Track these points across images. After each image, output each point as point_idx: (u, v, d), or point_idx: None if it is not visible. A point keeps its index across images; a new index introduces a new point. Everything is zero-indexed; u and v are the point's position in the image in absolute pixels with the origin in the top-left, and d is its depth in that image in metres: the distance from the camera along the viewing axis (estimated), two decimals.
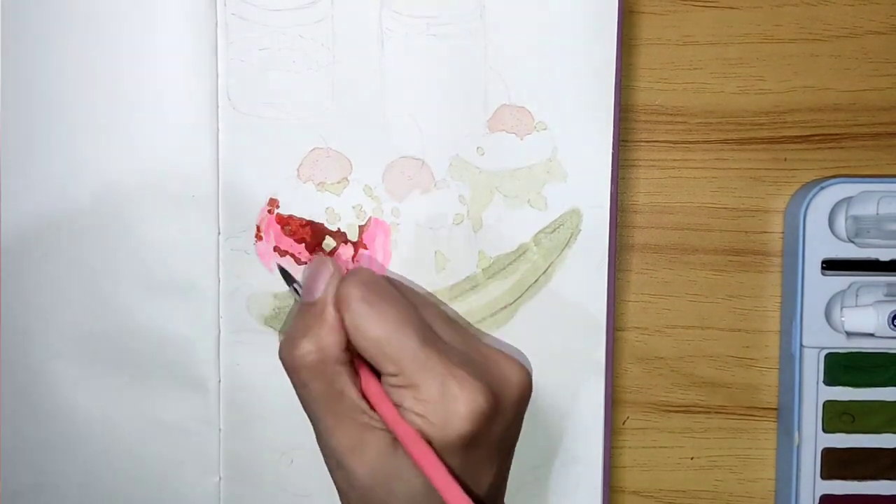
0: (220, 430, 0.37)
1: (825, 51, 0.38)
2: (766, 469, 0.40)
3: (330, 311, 0.31)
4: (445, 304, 0.36)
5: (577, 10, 0.36)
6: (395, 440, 0.30)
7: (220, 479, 0.37)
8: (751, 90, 0.38)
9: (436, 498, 0.29)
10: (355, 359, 0.31)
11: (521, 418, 0.33)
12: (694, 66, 0.38)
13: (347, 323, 0.30)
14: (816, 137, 0.39)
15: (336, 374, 0.31)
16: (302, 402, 0.32)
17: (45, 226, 0.36)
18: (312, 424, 0.32)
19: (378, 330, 0.30)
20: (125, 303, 0.36)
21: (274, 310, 0.36)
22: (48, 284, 0.36)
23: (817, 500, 0.38)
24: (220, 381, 0.37)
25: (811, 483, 0.38)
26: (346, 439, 0.30)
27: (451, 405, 0.29)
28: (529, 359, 0.36)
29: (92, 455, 0.37)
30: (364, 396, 0.31)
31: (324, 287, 0.32)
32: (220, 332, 0.36)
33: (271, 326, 0.36)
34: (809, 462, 0.38)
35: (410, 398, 0.29)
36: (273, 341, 0.36)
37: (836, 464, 0.38)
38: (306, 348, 0.30)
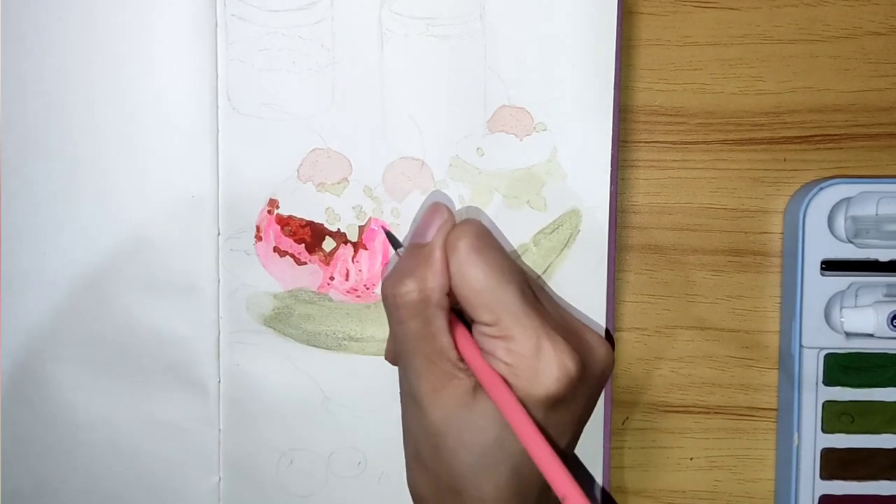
0: (220, 430, 0.37)
1: (825, 51, 0.38)
2: (765, 469, 0.40)
3: (437, 255, 0.31)
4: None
5: (577, 10, 0.36)
6: (477, 390, 0.31)
7: (219, 479, 0.37)
8: (750, 91, 0.38)
9: (505, 452, 0.30)
10: (452, 307, 0.32)
11: (600, 393, 0.34)
12: (694, 67, 0.38)
13: (453, 268, 0.31)
14: (816, 138, 0.39)
15: (433, 317, 0.31)
16: (395, 340, 0.32)
17: (45, 226, 0.36)
18: (400, 363, 0.33)
19: (483, 277, 0.31)
20: (125, 303, 0.36)
21: (274, 310, 0.36)
22: (48, 284, 0.36)
23: (817, 501, 0.38)
24: (219, 381, 0.37)
25: (811, 483, 0.38)
26: (430, 381, 0.31)
27: (543, 363, 0.30)
28: None
29: (92, 455, 0.37)
30: (455, 346, 0.32)
31: (435, 231, 0.32)
32: (220, 332, 0.36)
33: (271, 326, 0.36)
34: (809, 462, 0.38)
35: (503, 349, 0.30)
36: (273, 341, 0.36)
37: (835, 464, 0.38)
38: (410, 286, 0.31)
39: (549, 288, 0.36)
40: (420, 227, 0.33)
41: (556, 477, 0.29)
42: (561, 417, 0.31)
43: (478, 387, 0.31)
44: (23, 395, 0.37)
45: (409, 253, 0.33)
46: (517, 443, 0.30)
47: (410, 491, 0.33)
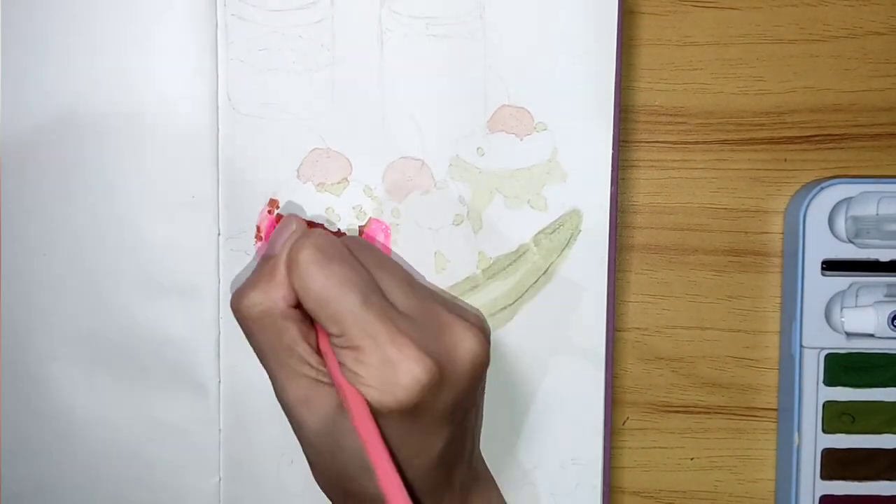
0: (220, 430, 0.37)
1: (825, 51, 0.38)
2: (765, 469, 0.40)
3: (281, 268, 0.31)
4: (413, 268, 0.36)
5: (577, 10, 0.36)
6: None
7: (219, 479, 0.37)
8: (751, 91, 0.38)
9: None
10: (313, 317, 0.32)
11: (476, 386, 0.32)
12: (694, 67, 0.38)
13: (295, 282, 0.31)
14: (816, 138, 0.39)
15: (284, 329, 0.31)
16: (256, 353, 0.32)
17: (46, 226, 0.36)
18: (269, 376, 0.32)
19: (322, 289, 0.30)
20: (125, 303, 0.36)
21: None
22: (48, 284, 0.36)
23: (817, 501, 0.38)
24: (220, 381, 0.37)
25: (811, 483, 0.38)
26: (296, 392, 0.31)
27: (391, 373, 0.29)
28: (530, 359, 0.36)
29: (92, 456, 0.37)
30: (320, 354, 0.32)
31: (282, 244, 0.32)
32: (220, 332, 0.36)
33: None
34: (809, 462, 0.38)
35: (352, 360, 0.30)
36: None
37: (835, 464, 0.38)
38: (253, 300, 0.31)
39: (425, 279, 0.36)
40: (271, 240, 0.33)
41: (392, 495, 0.28)
42: (430, 420, 0.30)
43: None
44: (22, 395, 0.37)
45: (258, 266, 0.33)
46: None
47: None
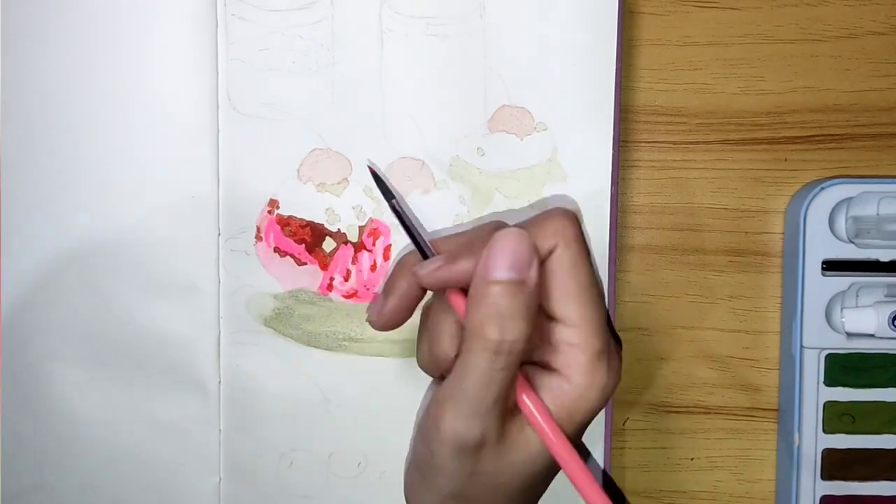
0: (220, 430, 0.37)
1: (825, 51, 0.38)
2: (766, 470, 0.40)
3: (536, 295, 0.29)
4: None
5: (577, 10, 0.36)
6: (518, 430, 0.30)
7: (220, 479, 0.37)
8: (751, 91, 0.38)
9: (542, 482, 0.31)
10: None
11: None
12: (694, 67, 0.38)
13: (567, 261, 0.30)
14: (817, 138, 0.39)
15: (514, 365, 0.30)
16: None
17: (45, 226, 0.36)
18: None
19: (589, 276, 0.30)
20: (125, 303, 0.36)
21: (274, 311, 0.36)
22: (48, 284, 0.36)
23: (817, 501, 0.38)
24: (220, 381, 0.37)
25: (811, 484, 0.38)
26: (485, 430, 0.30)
27: (609, 376, 0.30)
28: None
29: (92, 456, 0.37)
30: None
31: (534, 266, 0.29)
32: (220, 332, 0.36)
33: (271, 327, 0.36)
34: (810, 463, 0.38)
35: (575, 360, 0.30)
36: (273, 342, 0.36)
37: (836, 464, 0.38)
38: (517, 332, 0.29)
39: None
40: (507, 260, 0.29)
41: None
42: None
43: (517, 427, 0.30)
44: (23, 395, 0.37)
45: (511, 286, 0.29)
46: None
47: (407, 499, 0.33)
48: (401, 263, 0.33)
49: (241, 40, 0.36)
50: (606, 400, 0.30)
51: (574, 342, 0.30)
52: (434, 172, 0.36)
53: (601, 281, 0.34)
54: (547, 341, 0.30)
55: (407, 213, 0.34)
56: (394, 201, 0.34)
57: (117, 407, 0.37)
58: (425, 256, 0.32)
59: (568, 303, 0.30)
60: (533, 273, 0.29)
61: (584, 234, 0.31)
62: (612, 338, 0.31)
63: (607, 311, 0.32)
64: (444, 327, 0.31)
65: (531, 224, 0.31)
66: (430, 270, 0.31)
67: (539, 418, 0.30)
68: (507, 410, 0.30)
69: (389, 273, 0.34)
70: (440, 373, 0.32)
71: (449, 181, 0.36)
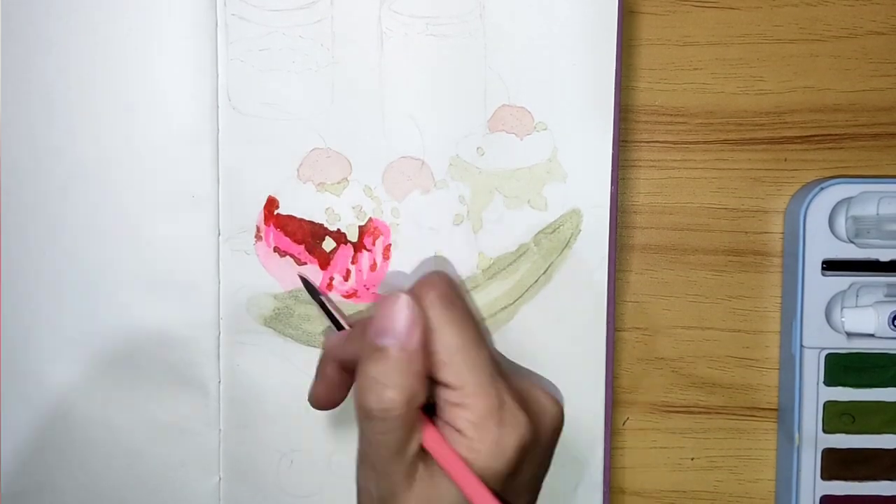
0: (220, 430, 0.37)
1: (825, 51, 0.38)
2: (766, 469, 0.40)
3: (420, 360, 0.29)
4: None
5: (577, 10, 0.36)
6: (432, 470, 0.29)
7: (219, 479, 0.37)
8: (751, 90, 0.38)
9: None
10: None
11: (553, 453, 0.32)
12: (694, 67, 0.38)
13: (436, 324, 0.29)
14: (816, 138, 0.39)
15: (412, 427, 0.29)
16: (362, 441, 0.30)
17: (45, 225, 0.36)
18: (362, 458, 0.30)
19: (457, 337, 0.29)
20: (125, 303, 0.36)
21: (274, 310, 0.36)
22: (48, 284, 0.36)
23: (817, 501, 0.38)
24: (220, 381, 0.37)
25: (811, 484, 0.38)
26: (396, 479, 0.29)
27: (502, 434, 0.29)
28: (529, 359, 0.36)
29: (92, 455, 0.37)
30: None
31: (407, 330, 0.29)
32: (220, 332, 0.36)
33: (271, 327, 0.36)
34: (810, 463, 0.38)
35: (463, 419, 0.29)
36: (273, 342, 0.36)
37: (836, 464, 0.38)
38: (392, 400, 0.29)
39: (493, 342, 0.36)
40: (381, 321, 0.30)
41: None
42: (519, 482, 0.30)
43: (432, 466, 0.29)
44: (23, 396, 0.37)
45: (382, 353, 0.29)
46: None
47: None
48: (325, 348, 0.34)
49: (241, 40, 0.36)
50: (510, 454, 0.29)
51: (458, 403, 0.29)
52: (434, 172, 0.36)
53: (486, 332, 0.34)
54: (440, 398, 0.30)
55: (329, 304, 0.35)
56: (322, 297, 0.35)
57: (117, 407, 0.37)
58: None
59: (442, 368, 0.29)
60: (414, 337, 0.29)
61: (458, 294, 0.30)
62: (508, 390, 0.29)
63: (497, 365, 0.30)
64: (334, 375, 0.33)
65: (414, 287, 0.31)
66: (331, 343, 0.33)
67: (443, 453, 0.29)
68: (415, 459, 0.29)
69: (319, 358, 0.34)
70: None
71: (449, 181, 0.36)
